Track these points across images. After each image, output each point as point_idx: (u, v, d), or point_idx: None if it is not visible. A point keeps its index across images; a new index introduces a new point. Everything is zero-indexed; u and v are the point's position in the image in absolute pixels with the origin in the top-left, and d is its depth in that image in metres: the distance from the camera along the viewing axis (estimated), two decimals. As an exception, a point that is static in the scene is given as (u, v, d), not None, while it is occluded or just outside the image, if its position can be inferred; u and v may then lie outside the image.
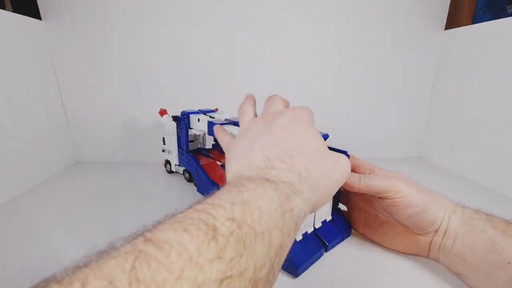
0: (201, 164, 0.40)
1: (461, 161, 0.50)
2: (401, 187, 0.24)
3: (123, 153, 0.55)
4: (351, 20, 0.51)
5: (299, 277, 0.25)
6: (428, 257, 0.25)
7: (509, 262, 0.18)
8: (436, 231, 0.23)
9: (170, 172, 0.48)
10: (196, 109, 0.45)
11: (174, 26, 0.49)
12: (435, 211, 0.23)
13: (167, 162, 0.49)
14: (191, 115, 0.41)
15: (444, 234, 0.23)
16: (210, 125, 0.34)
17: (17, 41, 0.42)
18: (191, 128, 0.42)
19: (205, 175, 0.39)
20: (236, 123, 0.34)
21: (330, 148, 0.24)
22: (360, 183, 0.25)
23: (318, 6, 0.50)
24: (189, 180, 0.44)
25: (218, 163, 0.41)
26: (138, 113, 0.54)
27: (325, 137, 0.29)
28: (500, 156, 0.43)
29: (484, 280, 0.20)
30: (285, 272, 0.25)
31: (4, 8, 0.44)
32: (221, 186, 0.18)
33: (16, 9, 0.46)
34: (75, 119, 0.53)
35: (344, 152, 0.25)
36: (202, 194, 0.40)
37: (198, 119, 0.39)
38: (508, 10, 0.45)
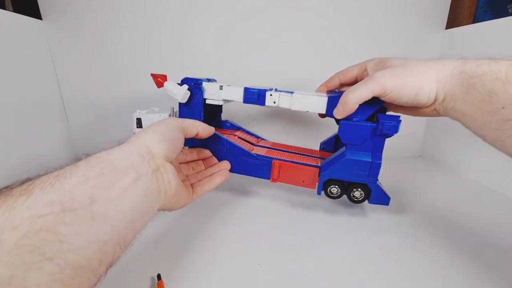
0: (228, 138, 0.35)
1: (461, 161, 0.50)
2: (386, 85, 0.25)
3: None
4: (351, 20, 0.51)
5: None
6: (437, 116, 0.27)
7: (503, 107, 0.20)
8: (435, 101, 0.25)
9: None
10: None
11: (174, 25, 0.49)
12: (427, 89, 0.24)
13: None
14: (204, 83, 0.35)
15: (443, 101, 0.24)
16: (251, 92, 0.33)
17: (18, 41, 0.42)
18: (206, 99, 0.36)
19: (239, 148, 0.35)
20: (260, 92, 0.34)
21: (380, 114, 0.30)
22: (354, 101, 0.27)
23: (318, 6, 0.50)
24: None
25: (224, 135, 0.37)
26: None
27: (380, 103, 0.30)
28: (500, 156, 0.43)
29: (481, 124, 0.22)
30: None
31: (4, 8, 0.44)
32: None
33: (17, 9, 0.46)
34: (75, 118, 0.53)
35: (395, 117, 0.29)
36: (235, 172, 0.36)
37: (221, 87, 0.34)
38: (509, 10, 0.45)
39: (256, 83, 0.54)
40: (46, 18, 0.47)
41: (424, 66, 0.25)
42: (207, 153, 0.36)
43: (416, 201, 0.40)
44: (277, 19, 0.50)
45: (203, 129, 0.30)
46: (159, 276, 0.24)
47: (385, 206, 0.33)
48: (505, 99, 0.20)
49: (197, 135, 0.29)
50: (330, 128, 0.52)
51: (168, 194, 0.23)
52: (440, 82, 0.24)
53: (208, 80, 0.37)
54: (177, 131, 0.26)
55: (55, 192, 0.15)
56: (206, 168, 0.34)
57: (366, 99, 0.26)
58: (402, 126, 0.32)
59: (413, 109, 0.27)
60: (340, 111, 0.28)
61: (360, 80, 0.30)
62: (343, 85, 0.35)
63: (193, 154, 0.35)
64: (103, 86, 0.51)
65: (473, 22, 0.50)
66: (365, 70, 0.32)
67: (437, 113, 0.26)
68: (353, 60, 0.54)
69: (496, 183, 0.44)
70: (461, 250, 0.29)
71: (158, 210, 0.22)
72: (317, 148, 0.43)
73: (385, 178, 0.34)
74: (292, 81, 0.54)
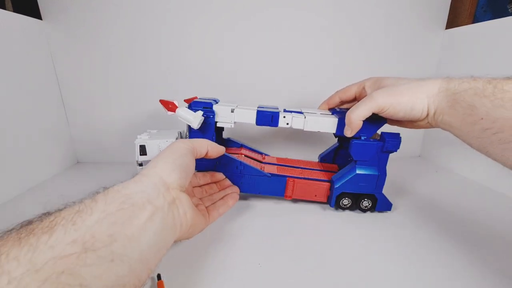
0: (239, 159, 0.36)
1: (461, 161, 0.50)
2: (383, 103, 0.28)
3: (124, 153, 0.55)
4: (351, 20, 0.51)
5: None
6: (431, 128, 0.30)
7: (481, 118, 0.23)
8: (427, 115, 0.28)
9: None
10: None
11: (174, 26, 0.49)
12: (420, 105, 0.27)
13: None
14: (214, 106, 0.35)
15: (434, 114, 0.27)
16: (264, 114, 0.34)
17: (18, 41, 0.42)
18: (217, 122, 0.36)
19: (253, 169, 0.36)
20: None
21: (384, 132, 0.34)
22: (352, 118, 0.30)
23: (318, 6, 0.50)
24: None
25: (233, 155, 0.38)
26: (139, 113, 0.54)
27: (384, 122, 0.34)
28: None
29: (466, 133, 0.25)
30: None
31: (4, 8, 0.44)
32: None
33: (17, 9, 0.46)
34: (75, 119, 0.53)
35: (397, 135, 0.33)
36: (250, 192, 0.37)
37: (232, 110, 0.35)
38: (509, 9, 0.45)
39: (256, 83, 0.54)
40: (46, 18, 0.47)
41: (416, 84, 0.28)
42: (220, 176, 0.36)
43: (416, 201, 0.40)
44: (277, 19, 0.50)
45: (212, 149, 0.30)
46: (159, 276, 0.24)
47: (385, 206, 0.35)
48: (482, 111, 0.23)
49: (206, 154, 0.29)
50: (321, 140, 0.54)
51: (184, 226, 0.23)
52: (430, 97, 0.27)
53: (215, 101, 0.37)
54: (188, 156, 0.26)
55: (77, 230, 0.15)
56: (219, 191, 0.34)
57: (367, 116, 0.30)
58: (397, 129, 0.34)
59: (409, 123, 0.30)
60: (350, 131, 0.32)
61: (359, 97, 0.35)
62: (343, 102, 0.38)
63: (207, 177, 0.35)
64: (103, 86, 0.51)
65: (473, 22, 0.50)
66: (363, 88, 0.35)
67: (430, 126, 0.29)
68: (353, 60, 0.54)
69: (495, 182, 0.44)
70: (460, 250, 0.29)
71: (174, 241, 0.22)
72: (313, 159, 0.46)
73: (386, 178, 0.35)
74: (292, 81, 0.54)
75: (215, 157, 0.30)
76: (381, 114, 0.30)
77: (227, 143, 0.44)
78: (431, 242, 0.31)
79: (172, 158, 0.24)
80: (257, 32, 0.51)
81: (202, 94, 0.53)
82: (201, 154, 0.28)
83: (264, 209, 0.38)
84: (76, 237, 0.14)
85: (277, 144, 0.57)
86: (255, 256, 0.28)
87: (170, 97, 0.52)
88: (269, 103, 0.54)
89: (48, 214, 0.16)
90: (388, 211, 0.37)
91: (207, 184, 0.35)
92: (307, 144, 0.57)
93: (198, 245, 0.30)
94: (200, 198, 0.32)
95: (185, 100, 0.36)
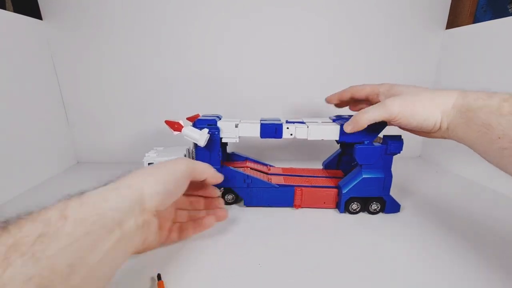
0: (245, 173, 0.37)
1: (461, 161, 0.50)
2: (395, 112, 0.28)
3: (124, 153, 0.55)
4: (351, 20, 0.51)
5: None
6: (446, 139, 0.30)
7: (499, 137, 0.22)
8: (440, 128, 0.28)
9: None
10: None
11: (174, 26, 0.49)
12: (432, 119, 0.27)
13: None
14: (218, 122, 0.36)
15: (447, 129, 0.27)
16: (268, 127, 0.35)
17: (18, 41, 0.42)
18: (222, 138, 0.36)
19: (261, 181, 0.37)
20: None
21: (386, 135, 0.35)
22: (361, 121, 0.31)
23: (319, 6, 0.50)
24: (233, 201, 0.38)
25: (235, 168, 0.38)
26: (139, 113, 0.54)
27: (384, 125, 0.34)
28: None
29: (483, 151, 0.25)
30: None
31: (5, 8, 0.44)
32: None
33: (17, 9, 0.46)
34: (75, 119, 0.53)
35: (398, 137, 0.34)
36: (259, 205, 0.38)
37: (236, 125, 0.35)
38: (509, 10, 0.45)
39: (256, 84, 0.54)
40: (46, 18, 0.47)
41: (430, 96, 0.28)
42: (213, 192, 0.33)
43: (416, 201, 0.40)
44: (276, 20, 0.50)
45: (212, 177, 0.30)
46: (159, 276, 0.24)
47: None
48: (499, 130, 0.22)
49: (204, 180, 0.29)
50: (324, 147, 0.53)
51: (141, 248, 0.25)
52: (444, 112, 0.27)
53: (218, 117, 0.38)
54: (183, 180, 0.25)
55: (36, 263, 0.13)
56: (203, 209, 0.32)
57: (376, 121, 0.31)
58: (398, 131, 0.34)
59: (422, 132, 0.30)
60: (351, 127, 0.32)
61: (370, 99, 0.35)
62: (354, 100, 0.38)
63: (199, 188, 0.32)
64: (103, 86, 0.51)
65: (474, 22, 0.50)
66: (377, 93, 0.34)
67: (443, 137, 0.29)
68: (353, 60, 0.54)
69: (495, 183, 0.44)
70: (460, 250, 0.29)
71: None
72: (317, 166, 0.46)
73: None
74: (292, 81, 0.54)
75: (212, 184, 0.31)
76: (392, 123, 0.30)
77: (232, 157, 0.44)
78: (431, 240, 0.31)
79: (165, 179, 0.23)
80: (256, 33, 0.51)
81: (203, 95, 0.53)
82: (199, 179, 0.29)
83: (264, 208, 0.38)
84: (34, 273, 0.13)
85: (280, 155, 0.57)
86: (255, 256, 0.28)
87: (171, 97, 0.53)
88: (270, 104, 0.54)
89: (5, 228, 0.14)
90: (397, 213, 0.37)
91: (196, 195, 0.32)
92: (309, 152, 0.57)
93: (198, 245, 0.30)
94: (180, 209, 0.31)
95: (187, 118, 0.36)
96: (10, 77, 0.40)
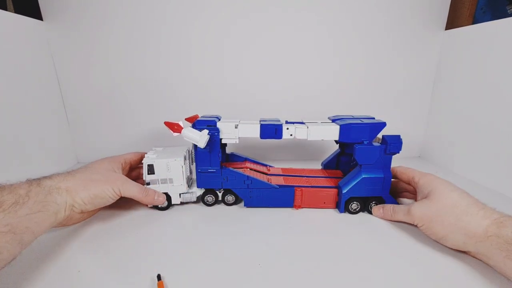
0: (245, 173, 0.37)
1: (461, 161, 0.50)
2: (418, 221, 0.31)
3: (124, 153, 0.55)
4: (351, 21, 0.51)
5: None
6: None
7: None
8: (464, 251, 0.28)
9: (167, 207, 0.37)
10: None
11: (173, 26, 0.49)
12: (452, 240, 0.28)
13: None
14: (218, 123, 0.36)
15: (476, 254, 0.27)
16: (268, 127, 0.35)
17: (19, 41, 0.42)
18: (221, 138, 0.36)
19: (261, 182, 0.37)
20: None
21: (385, 135, 0.35)
22: (391, 217, 0.34)
23: (318, 6, 0.50)
24: (233, 202, 0.38)
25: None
26: (139, 113, 0.54)
27: (383, 125, 0.35)
28: (500, 156, 0.43)
29: None
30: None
31: (6, 9, 0.44)
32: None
33: (18, 10, 0.46)
34: (75, 119, 0.53)
35: (398, 137, 0.34)
36: (259, 206, 0.38)
37: (236, 125, 0.35)
38: (508, 11, 0.45)
39: (259, 85, 0.54)
40: (46, 19, 0.47)
41: (459, 219, 0.27)
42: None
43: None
44: (276, 20, 0.50)
45: (140, 200, 0.34)
46: (159, 277, 0.25)
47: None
48: None
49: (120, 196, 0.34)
50: (319, 148, 0.54)
51: (63, 224, 0.32)
52: (471, 237, 0.26)
53: (217, 118, 0.38)
54: (109, 200, 0.32)
55: (11, 217, 0.22)
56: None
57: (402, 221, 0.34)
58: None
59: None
60: (381, 214, 0.35)
61: (412, 183, 0.35)
62: (399, 177, 0.37)
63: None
64: (103, 87, 0.52)
65: (473, 23, 0.50)
66: (416, 183, 0.34)
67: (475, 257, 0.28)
68: (353, 62, 0.54)
69: (495, 183, 0.44)
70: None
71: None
72: (315, 166, 0.47)
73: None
74: (292, 82, 0.54)
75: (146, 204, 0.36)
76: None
77: (231, 158, 0.44)
78: (430, 239, 0.31)
79: (95, 193, 0.30)
80: (256, 33, 0.51)
81: (202, 96, 0.53)
82: (126, 196, 0.34)
83: (264, 208, 0.38)
84: (9, 223, 0.22)
85: (279, 155, 0.57)
86: (255, 256, 0.28)
87: (171, 98, 0.53)
88: (269, 104, 0.54)
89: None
90: None
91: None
92: (308, 152, 0.57)
93: (198, 245, 0.30)
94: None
95: (186, 119, 0.36)
96: (11, 77, 0.40)
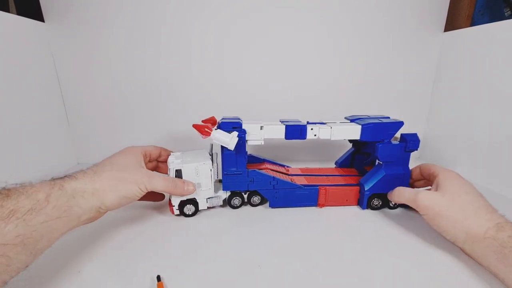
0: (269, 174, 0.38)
1: (461, 161, 0.50)
2: (421, 209, 0.30)
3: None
4: (351, 21, 0.52)
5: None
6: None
7: None
8: (461, 248, 0.28)
9: (193, 215, 0.36)
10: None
11: (174, 27, 0.50)
12: (453, 235, 0.28)
13: (188, 202, 0.35)
14: (244, 124, 0.36)
15: (471, 253, 0.27)
16: (293, 128, 0.36)
17: (20, 43, 0.42)
18: (247, 140, 0.36)
19: (286, 183, 0.37)
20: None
21: (403, 134, 0.37)
22: (398, 198, 0.34)
23: (318, 7, 0.50)
24: (260, 203, 0.39)
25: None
26: (139, 113, 0.54)
27: (401, 124, 0.37)
28: (500, 156, 0.43)
29: None
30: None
31: (8, 11, 0.44)
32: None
33: (20, 12, 0.47)
34: (75, 119, 0.53)
35: (415, 135, 0.36)
36: (284, 206, 0.38)
37: (261, 127, 0.35)
38: (506, 13, 0.46)
39: (259, 85, 0.54)
40: (48, 21, 0.47)
41: (460, 217, 0.28)
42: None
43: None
44: (276, 20, 0.51)
45: (167, 192, 0.33)
46: (158, 278, 0.24)
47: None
48: None
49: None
50: (329, 147, 0.55)
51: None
52: (471, 237, 0.27)
53: (239, 119, 0.37)
54: (136, 198, 0.31)
55: (24, 227, 0.20)
56: None
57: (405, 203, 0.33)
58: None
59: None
60: (396, 198, 0.35)
61: (431, 178, 0.35)
62: (422, 173, 0.38)
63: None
64: (103, 87, 0.52)
65: (471, 25, 0.50)
66: (436, 176, 0.34)
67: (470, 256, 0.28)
68: (352, 61, 0.54)
69: (494, 183, 0.44)
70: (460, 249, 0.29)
71: None
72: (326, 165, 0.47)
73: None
74: (291, 82, 0.54)
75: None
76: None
77: (250, 159, 0.44)
78: (431, 239, 0.31)
79: (124, 194, 0.29)
80: (255, 34, 0.51)
81: (202, 96, 0.53)
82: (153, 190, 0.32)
83: (264, 209, 0.38)
84: (21, 233, 0.20)
85: (290, 155, 0.57)
86: (255, 257, 0.28)
87: (171, 98, 0.53)
88: (270, 105, 0.54)
89: (8, 195, 0.21)
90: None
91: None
92: (318, 151, 0.58)
93: (198, 245, 0.30)
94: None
95: (203, 121, 0.36)
96: (12, 78, 0.40)
